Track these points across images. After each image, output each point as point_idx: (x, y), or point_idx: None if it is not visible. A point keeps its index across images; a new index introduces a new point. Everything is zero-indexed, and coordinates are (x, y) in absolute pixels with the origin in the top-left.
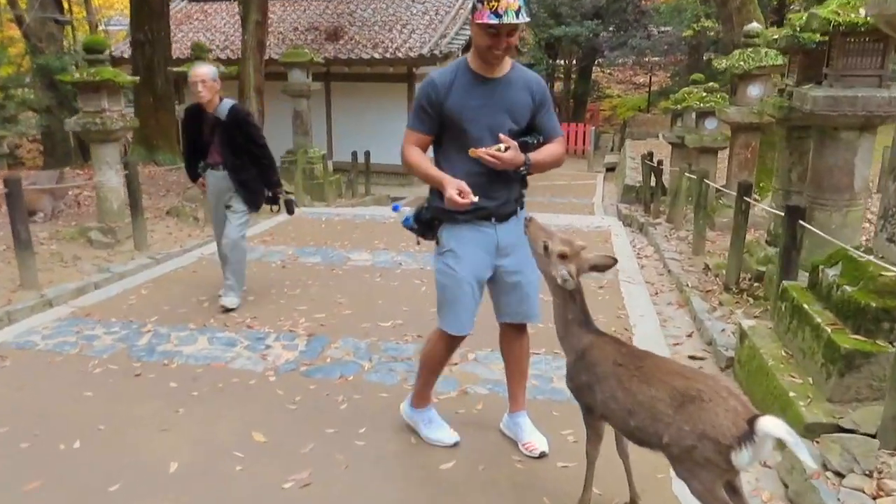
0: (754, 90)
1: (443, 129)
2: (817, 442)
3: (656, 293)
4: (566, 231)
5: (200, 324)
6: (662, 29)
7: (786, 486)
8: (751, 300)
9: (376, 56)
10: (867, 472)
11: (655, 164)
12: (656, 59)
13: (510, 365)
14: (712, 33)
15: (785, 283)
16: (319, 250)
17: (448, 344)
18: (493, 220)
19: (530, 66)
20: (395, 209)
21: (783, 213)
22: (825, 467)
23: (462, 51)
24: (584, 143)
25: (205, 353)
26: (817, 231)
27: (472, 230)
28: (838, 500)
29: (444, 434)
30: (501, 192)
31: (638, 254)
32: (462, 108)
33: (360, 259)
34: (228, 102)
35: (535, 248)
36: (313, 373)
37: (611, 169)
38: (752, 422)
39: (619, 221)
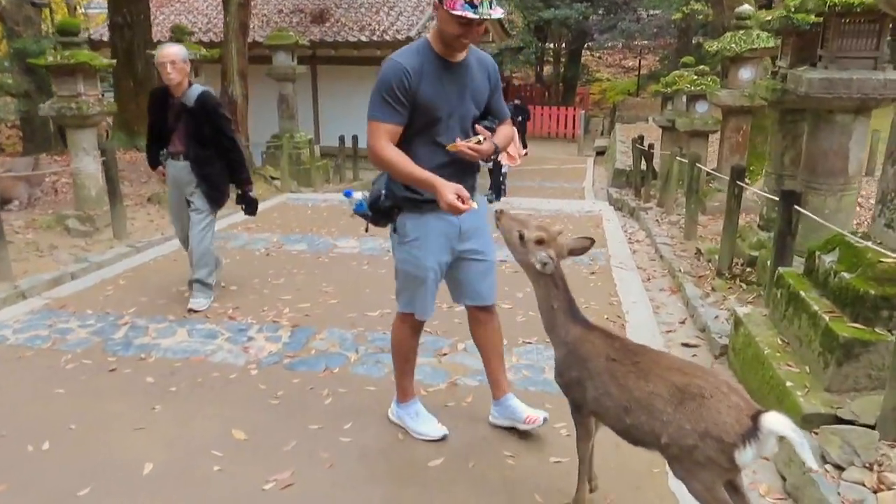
0: (746, 73)
1: (409, 120)
2: (815, 433)
3: (648, 279)
4: (555, 217)
5: (180, 315)
6: (652, 12)
7: (784, 478)
8: (744, 286)
9: (363, 39)
10: (867, 465)
11: (646, 149)
12: (646, 42)
13: (487, 350)
14: (701, 16)
15: (780, 269)
16: (305, 237)
17: (413, 326)
18: None
19: (519, 49)
20: (348, 195)
21: (778, 198)
22: (824, 460)
23: None
24: (573, 127)
25: (184, 345)
26: (812, 216)
27: (436, 219)
28: (838, 493)
29: (432, 428)
30: (468, 180)
31: (629, 239)
32: (434, 96)
33: (347, 246)
34: (198, 88)
35: (510, 240)
36: (297, 365)
37: (600, 153)
38: (755, 418)
39: (609, 206)
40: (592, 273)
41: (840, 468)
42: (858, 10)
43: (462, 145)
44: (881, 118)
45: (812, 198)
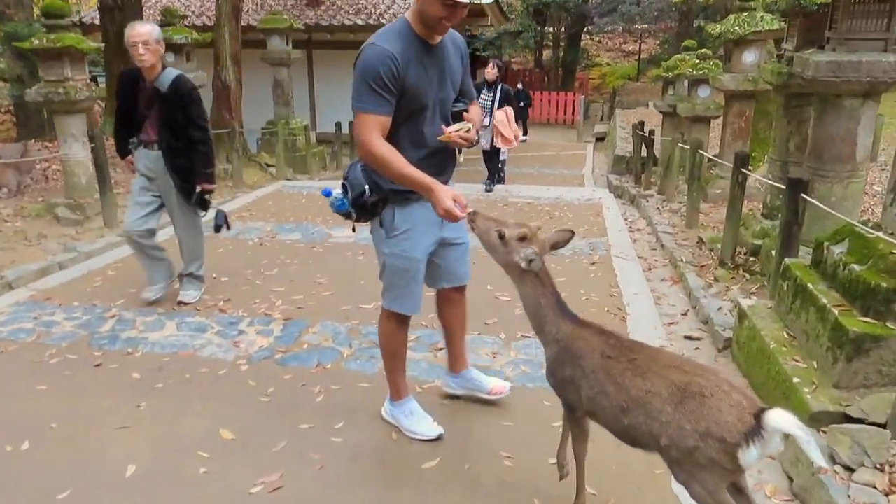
0: (750, 56)
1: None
2: (824, 432)
3: (650, 268)
4: (555, 204)
5: (169, 308)
6: None
7: (791, 479)
8: (747, 276)
9: (359, 22)
10: (878, 466)
11: (647, 134)
12: (646, 25)
13: (456, 328)
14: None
15: (787, 260)
16: (300, 226)
17: (399, 319)
18: None
19: (518, 33)
20: (327, 194)
21: (785, 186)
22: (833, 460)
23: None
24: (573, 113)
25: (172, 339)
26: (819, 204)
27: (422, 208)
28: (848, 496)
29: (427, 427)
30: (449, 168)
31: (630, 227)
32: (420, 82)
33: (343, 235)
34: (172, 72)
35: (489, 241)
36: (288, 361)
37: (600, 139)
38: (758, 416)
39: (609, 193)
40: (593, 263)
41: (850, 469)
42: None
43: (454, 135)
44: (884, 102)
45: (818, 185)
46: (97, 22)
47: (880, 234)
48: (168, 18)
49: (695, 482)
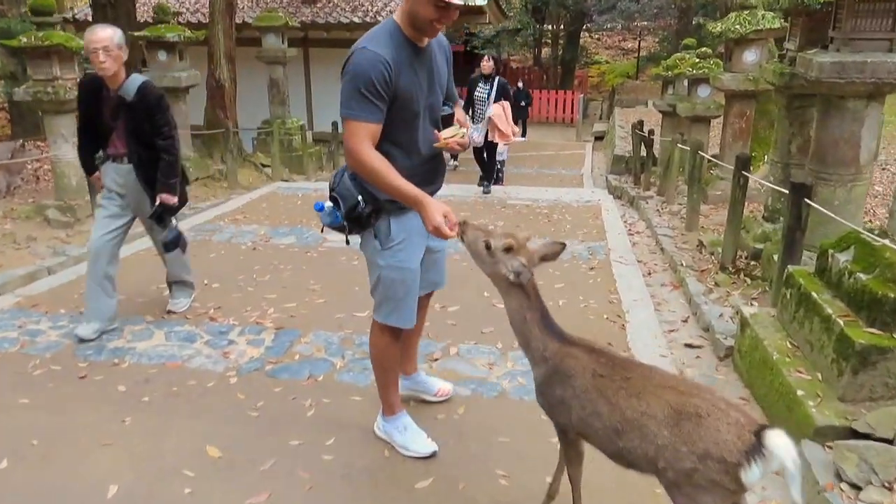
0: (750, 56)
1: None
2: (829, 447)
3: (649, 273)
4: (553, 206)
5: (158, 316)
6: None
7: None
8: (748, 280)
9: (356, 20)
10: (886, 484)
11: (646, 134)
12: (645, 23)
13: (417, 331)
14: None
15: (790, 267)
16: (294, 230)
17: (393, 333)
18: None
19: (517, 31)
20: (319, 209)
21: (788, 191)
22: (839, 478)
23: None
24: (572, 112)
25: (160, 350)
26: (822, 210)
27: (416, 217)
28: None
29: (421, 444)
30: (440, 176)
31: (629, 230)
32: (412, 87)
33: (337, 240)
34: (138, 79)
35: (477, 251)
36: (279, 372)
37: (599, 138)
38: (758, 433)
39: (609, 195)
40: (591, 269)
41: (857, 487)
42: None
43: (451, 141)
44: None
45: (821, 189)
46: (90, 19)
47: (887, 241)
48: (161, 15)
49: None
